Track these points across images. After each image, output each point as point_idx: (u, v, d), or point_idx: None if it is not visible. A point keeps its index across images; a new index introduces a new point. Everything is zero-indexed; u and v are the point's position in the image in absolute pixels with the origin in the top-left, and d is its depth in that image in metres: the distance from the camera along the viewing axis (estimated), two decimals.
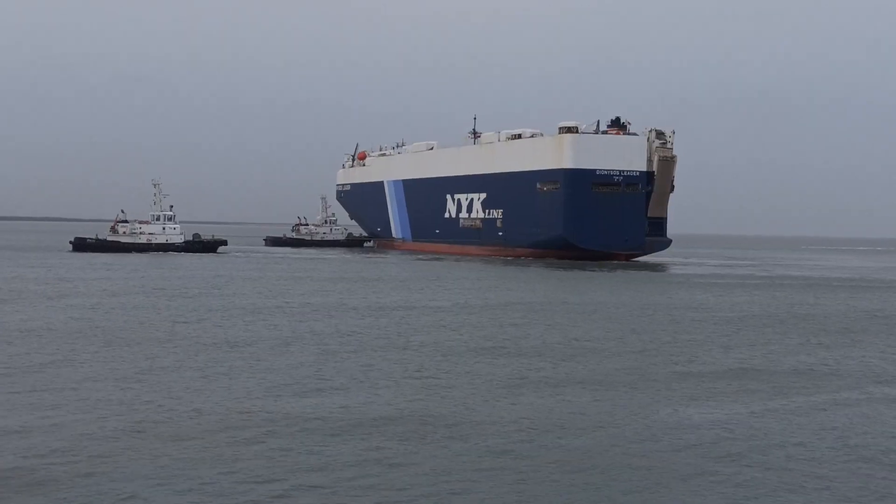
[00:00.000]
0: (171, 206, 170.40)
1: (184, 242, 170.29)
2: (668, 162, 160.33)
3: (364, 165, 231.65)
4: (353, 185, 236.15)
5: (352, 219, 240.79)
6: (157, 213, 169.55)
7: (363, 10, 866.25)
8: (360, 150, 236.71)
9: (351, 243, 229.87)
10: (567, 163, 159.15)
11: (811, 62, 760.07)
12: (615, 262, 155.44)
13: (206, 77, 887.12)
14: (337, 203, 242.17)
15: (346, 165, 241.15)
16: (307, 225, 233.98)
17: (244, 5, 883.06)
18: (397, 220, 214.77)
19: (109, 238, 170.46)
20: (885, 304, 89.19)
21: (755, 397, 39.41)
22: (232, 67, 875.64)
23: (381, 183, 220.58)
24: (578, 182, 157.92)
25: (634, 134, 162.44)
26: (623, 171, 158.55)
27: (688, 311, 76.37)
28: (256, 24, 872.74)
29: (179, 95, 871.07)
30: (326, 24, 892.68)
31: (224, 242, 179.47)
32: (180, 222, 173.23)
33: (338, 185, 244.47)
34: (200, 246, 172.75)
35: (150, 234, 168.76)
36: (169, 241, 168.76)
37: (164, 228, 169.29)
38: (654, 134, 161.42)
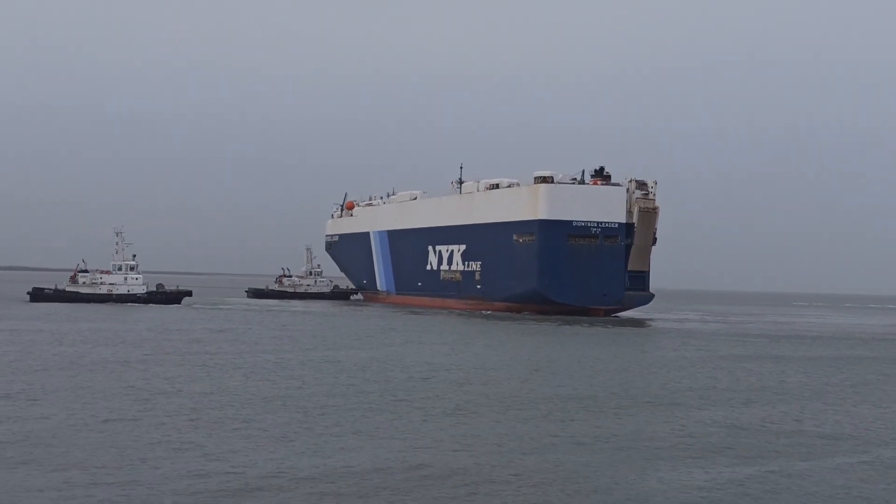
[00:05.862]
0: (134, 256, 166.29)
1: (146, 293, 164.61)
2: (650, 213, 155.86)
3: (352, 216, 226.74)
4: (340, 235, 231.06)
5: (341, 271, 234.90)
6: (119, 262, 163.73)
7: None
8: (348, 199, 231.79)
9: (336, 295, 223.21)
10: (542, 213, 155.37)
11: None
12: (593, 317, 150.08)
13: (189, 128, 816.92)
14: (325, 254, 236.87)
15: (335, 215, 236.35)
16: (291, 276, 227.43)
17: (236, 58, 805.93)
18: (382, 271, 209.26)
19: (69, 288, 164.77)
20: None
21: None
22: (218, 120, 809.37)
23: (368, 234, 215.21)
24: (553, 233, 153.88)
25: (616, 184, 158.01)
26: (601, 223, 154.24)
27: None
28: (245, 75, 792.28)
29: (158, 140, 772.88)
30: (314, 73, 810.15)
31: (189, 294, 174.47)
32: (144, 272, 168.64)
33: (327, 235, 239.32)
34: (163, 297, 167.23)
35: (111, 284, 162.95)
36: (130, 292, 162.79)
37: (125, 279, 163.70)
38: (634, 184, 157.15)
